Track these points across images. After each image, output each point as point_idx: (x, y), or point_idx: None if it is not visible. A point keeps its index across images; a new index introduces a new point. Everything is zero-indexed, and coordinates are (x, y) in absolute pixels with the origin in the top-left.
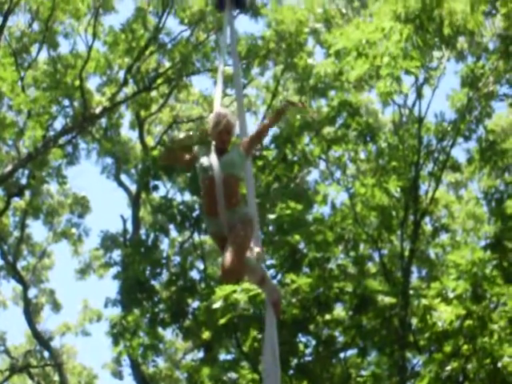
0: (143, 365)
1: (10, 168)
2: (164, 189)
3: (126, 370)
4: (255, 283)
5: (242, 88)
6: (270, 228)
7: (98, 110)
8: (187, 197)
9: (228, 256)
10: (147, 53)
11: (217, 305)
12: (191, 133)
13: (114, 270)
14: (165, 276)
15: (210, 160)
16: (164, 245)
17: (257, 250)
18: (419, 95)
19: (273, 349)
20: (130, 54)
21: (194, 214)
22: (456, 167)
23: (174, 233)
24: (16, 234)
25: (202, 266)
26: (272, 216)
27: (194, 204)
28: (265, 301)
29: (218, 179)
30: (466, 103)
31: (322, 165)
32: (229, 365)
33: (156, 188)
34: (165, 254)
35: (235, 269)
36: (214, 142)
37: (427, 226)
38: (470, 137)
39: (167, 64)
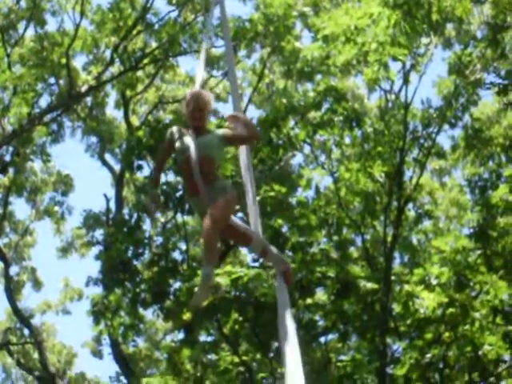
0: (123, 344)
1: None
2: (148, 169)
3: (106, 350)
4: (258, 254)
5: (234, 69)
6: None
7: (83, 89)
8: (171, 177)
9: (204, 222)
10: (134, 32)
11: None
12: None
13: (96, 249)
14: (147, 256)
15: (186, 141)
16: (147, 225)
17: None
18: (406, 81)
19: (287, 315)
20: (117, 33)
21: (177, 195)
22: (441, 154)
23: (157, 213)
24: None
25: (184, 247)
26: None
27: (178, 184)
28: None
29: (194, 159)
30: (452, 90)
31: (307, 149)
32: (209, 346)
33: (140, 168)
34: (147, 234)
35: (209, 235)
36: (190, 124)
37: (410, 212)
38: (455, 124)
39: (154, 44)
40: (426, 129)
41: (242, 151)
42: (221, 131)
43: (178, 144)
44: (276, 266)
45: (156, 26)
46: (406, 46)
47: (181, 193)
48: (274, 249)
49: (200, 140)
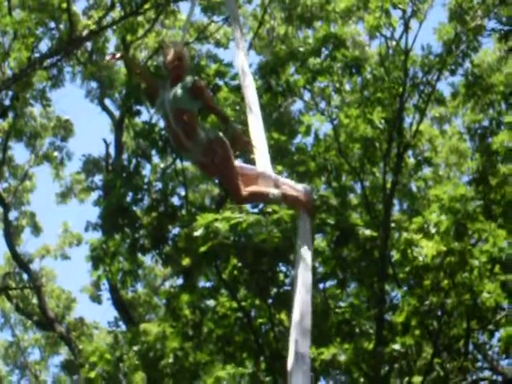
0: (122, 290)
1: None
2: (147, 114)
3: (105, 295)
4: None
5: (238, 17)
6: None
7: (84, 33)
8: None
9: (230, 188)
10: None
11: (198, 233)
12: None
13: (96, 194)
14: (146, 202)
15: (164, 96)
16: (146, 170)
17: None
18: (407, 28)
19: (306, 251)
20: None
21: None
22: (441, 100)
23: (156, 159)
24: None
25: (183, 193)
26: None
27: None
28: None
29: (170, 114)
30: (453, 37)
31: (307, 96)
32: (208, 292)
33: (138, 113)
34: (147, 180)
35: (239, 193)
36: (170, 77)
37: (410, 159)
38: (455, 70)
39: None
40: (426, 75)
41: (249, 92)
42: (188, 82)
43: (158, 99)
44: (296, 201)
45: None
46: None
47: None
48: (288, 182)
49: (171, 93)
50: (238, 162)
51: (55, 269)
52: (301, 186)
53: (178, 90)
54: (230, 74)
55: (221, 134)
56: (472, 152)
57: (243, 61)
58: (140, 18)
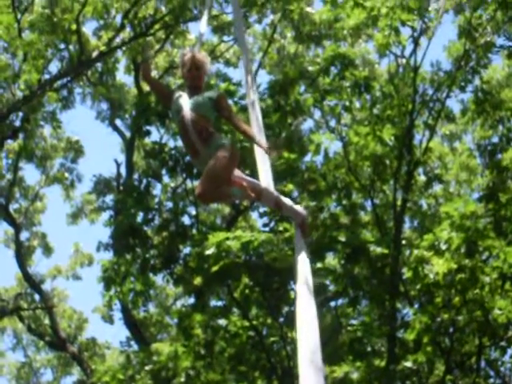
0: (133, 310)
1: (4, 110)
2: (158, 134)
3: (117, 315)
4: (272, 207)
5: (244, 33)
6: None
7: (94, 55)
8: (180, 142)
9: (200, 181)
10: None
11: (209, 251)
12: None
13: (107, 214)
14: (157, 222)
15: (181, 101)
16: (157, 190)
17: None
18: (416, 45)
19: (305, 273)
20: None
21: (186, 160)
22: (451, 117)
23: (166, 178)
24: (8, 176)
25: (194, 212)
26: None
27: None
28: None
29: (187, 118)
30: (462, 53)
31: (317, 114)
32: (219, 311)
33: (148, 133)
34: (157, 200)
35: (204, 193)
36: (187, 84)
37: (420, 176)
38: (465, 87)
39: (165, 10)
40: (435, 92)
41: (253, 109)
42: (214, 93)
43: (173, 105)
44: (294, 219)
45: None
46: (416, 9)
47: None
48: (288, 201)
49: (193, 99)
50: (242, 174)
51: (67, 289)
52: (299, 206)
53: (202, 98)
54: (238, 93)
55: (232, 143)
56: (482, 169)
57: (249, 82)
58: (149, 39)
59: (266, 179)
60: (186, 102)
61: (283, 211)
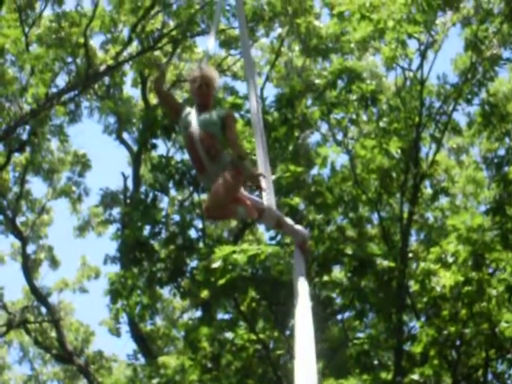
0: (141, 323)
1: (12, 124)
2: (165, 147)
3: (124, 328)
4: (273, 227)
5: (249, 48)
6: None
7: (101, 69)
8: (187, 156)
9: (207, 198)
10: (152, 12)
11: (216, 264)
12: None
13: (114, 227)
14: (164, 235)
15: (190, 117)
16: (164, 203)
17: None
18: (423, 59)
19: (304, 293)
20: (135, 13)
21: (193, 173)
22: (457, 130)
23: (173, 192)
24: (15, 189)
25: (200, 225)
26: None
27: None
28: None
29: (196, 135)
30: (469, 66)
31: (324, 127)
32: (226, 324)
33: (155, 146)
34: (164, 213)
35: (212, 210)
36: (196, 101)
37: (427, 189)
38: (472, 100)
39: (172, 24)
40: (442, 105)
41: (256, 129)
42: (223, 112)
43: (181, 122)
44: (294, 238)
45: (174, 6)
46: (422, 22)
47: (196, 173)
48: (289, 221)
49: (202, 116)
50: (246, 192)
51: (73, 302)
52: (300, 227)
53: (211, 116)
54: (245, 106)
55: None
56: (489, 182)
57: (252, 96)
58: (157, 53)
59: (268, 199)
60: (194, 119)
61: (284, 230)
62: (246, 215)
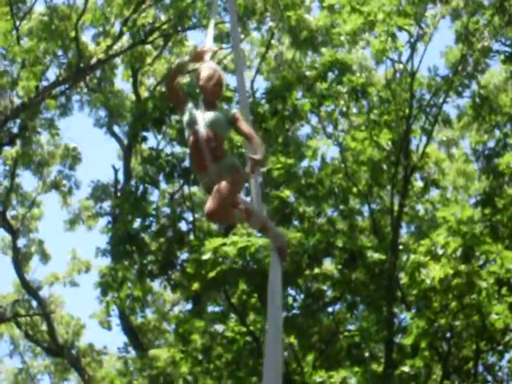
0: (131, 315)
1: (2, 117)
2: (155, 140)
3: (114, 321)
4: (257, 230)
5: (239, 43)
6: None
7: (92, 62)
8: (177, 148)
9: (209, 200)
10: (144, 6)
11: (206, 256)
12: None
13: (104, 220)
14: (154, 228)
15: (197, 114)
16: (154, 196)
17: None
18: (413, 51)
19: (276, 295)
20: (126, 7)
21: (184, 166)
22: (448, 122)
23: (164, 184)
24: (6, 183)
25: (191, 218)
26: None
27: (184, 155)
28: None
29: (202, 134)
30: (459, 58)
31: (314, 120)
32: (217, 317)
33: (145, 139)
34: (155, 206)
35: (216, 212)
36: (202, 97)
37: (417, 181)
38: (462, 92)
39: (163, 18)
40: (432, 97)
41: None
42: (230, 112)
43: (186, 116)
44: (273, 241)
45: (165, 0)
46: (412, 15)
47: (187, 164)
48: (273, 225)
49: (208, 115)
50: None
51: (64, 295)
52: (282, 230)
53: (221, 117)
54: (236, 99)
55: (238, 163)
56: (479, 174)
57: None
58: (148, 46)
59: (257, 202)
60: (201, 116)
61: (267, 234)
62: (240, 219)
